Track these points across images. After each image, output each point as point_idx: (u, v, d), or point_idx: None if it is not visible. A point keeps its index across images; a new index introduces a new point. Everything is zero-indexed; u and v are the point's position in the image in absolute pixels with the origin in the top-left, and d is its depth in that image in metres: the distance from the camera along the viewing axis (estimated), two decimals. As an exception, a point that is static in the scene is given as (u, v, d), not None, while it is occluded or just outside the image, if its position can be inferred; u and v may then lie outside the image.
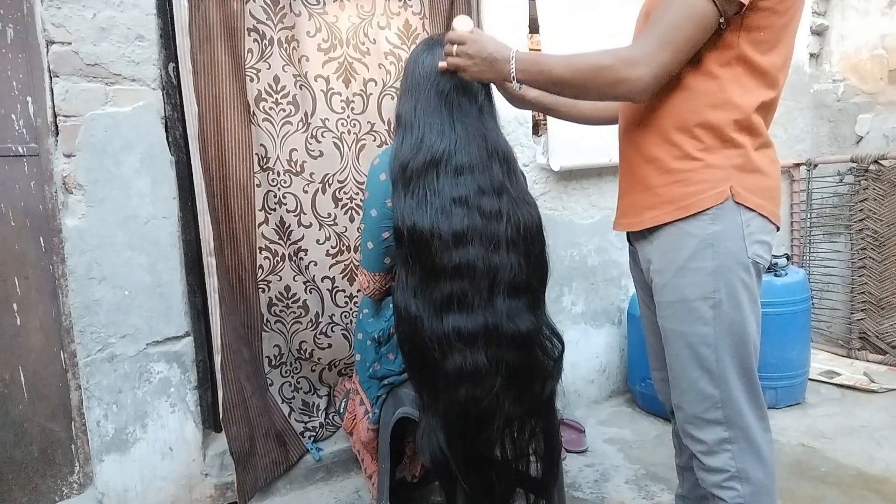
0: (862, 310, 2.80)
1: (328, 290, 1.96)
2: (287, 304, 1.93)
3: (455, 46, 1.12)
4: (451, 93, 1.20)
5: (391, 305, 1.26)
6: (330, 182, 1.92)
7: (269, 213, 1.86)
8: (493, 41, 1.10)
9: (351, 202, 1.96)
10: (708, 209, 0.98)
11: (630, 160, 1.12)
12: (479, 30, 1.16)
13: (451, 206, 1.16)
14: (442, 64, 1.18)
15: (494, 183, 1.20)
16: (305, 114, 1.86)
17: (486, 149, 1.22)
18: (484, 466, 1.22)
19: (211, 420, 1.88)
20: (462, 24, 1.15)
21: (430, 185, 1.17)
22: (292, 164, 1.86)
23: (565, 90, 1.06)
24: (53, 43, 1.48)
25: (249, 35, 1.77)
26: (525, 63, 1.06)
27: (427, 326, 1.15)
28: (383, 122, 1.98)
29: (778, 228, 1.04)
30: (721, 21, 0.92)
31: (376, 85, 1.95)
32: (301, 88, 1.84)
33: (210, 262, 1.66)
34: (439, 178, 1.17)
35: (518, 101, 1.35)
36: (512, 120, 2.15)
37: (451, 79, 1.20)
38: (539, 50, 2.18)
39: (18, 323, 1.56)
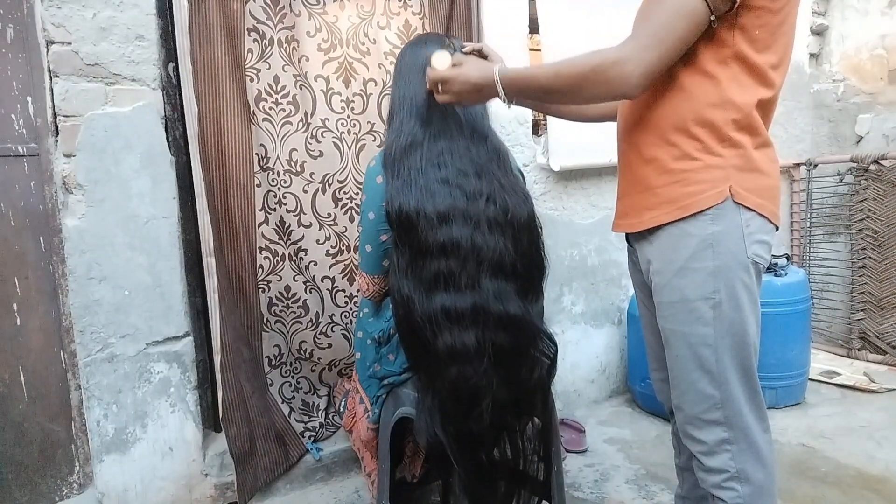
0: (862, 310, 2.80)
1: (328, 289, 1.96)
2: (287, 304, 1.93)
3: (439, 85, 1.13)
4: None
5: (391, 306, 1.27)
6: (330, 182, 1.92)
7: (269, 213, 1.86)
8: (475, 67, 1.09)
9: (351, 202, 1.96)
10: (707, 209, 0.98)
11: (629, 160, 1.12)
12: (461, 56, 1.14)
13: (434, 186, 1.18)
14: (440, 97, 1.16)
15: (476, 165, 1.23)
16: (305, 114, 1.86)
17: (466, 131, 1.24)
18: (476, 446, 1.22)
19: (211, 420, 1.88)
20: (439, 61, 1.12)
21: (413, 166, 1.19)
22: (292, 164, 1.86)
23: (558, 98, 1.08)
24: (53, 43, 1.48)
25: (249, 35, 1.77)
26: (512, 82, 1.06)
27: (418, 306, 1.17)
28: (383, 122, 1.97)
29: (777, 228, 1.04)
30: (712, 19, 0.92)
31: (376, 85, 1.95)
32: (301, 88, 1.84)
33: (210, 262, 1.66)
34: (422, 158, 1.20)
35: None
36: (512, 120, 2.15)
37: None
38: (539, 50, 2.18)
39: (18, 323, 1.56)
